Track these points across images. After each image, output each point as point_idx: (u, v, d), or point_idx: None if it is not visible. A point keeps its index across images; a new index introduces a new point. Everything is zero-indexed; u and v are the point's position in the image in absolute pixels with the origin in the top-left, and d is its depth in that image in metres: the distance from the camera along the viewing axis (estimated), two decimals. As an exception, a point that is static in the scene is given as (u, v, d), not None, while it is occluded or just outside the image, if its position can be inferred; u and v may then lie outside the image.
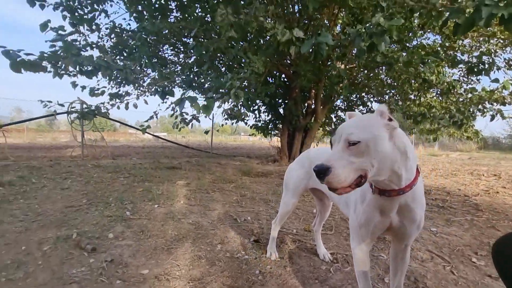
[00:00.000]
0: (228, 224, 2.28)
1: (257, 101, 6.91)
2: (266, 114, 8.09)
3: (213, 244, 1.86)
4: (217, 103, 3.13)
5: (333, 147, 0.85)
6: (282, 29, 2.61)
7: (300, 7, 3.29)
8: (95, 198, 2.83)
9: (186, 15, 3.91)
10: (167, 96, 4.77)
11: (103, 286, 1.31)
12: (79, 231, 1.93)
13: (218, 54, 4.08)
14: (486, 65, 2.94)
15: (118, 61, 6.04)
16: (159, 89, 4.71)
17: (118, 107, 4.00)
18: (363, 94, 7.49)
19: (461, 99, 4.39)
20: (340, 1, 4.00)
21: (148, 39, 5.22)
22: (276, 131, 8.01)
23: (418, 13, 2.39)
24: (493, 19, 1.80)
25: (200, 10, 3.58)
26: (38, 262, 1.52)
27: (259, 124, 8.09)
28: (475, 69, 3.01)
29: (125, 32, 6.04)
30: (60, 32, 3.48)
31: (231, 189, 3.71)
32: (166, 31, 5.21)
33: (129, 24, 6.70)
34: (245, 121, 7.29)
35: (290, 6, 4.01)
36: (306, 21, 4.76)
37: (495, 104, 3.91)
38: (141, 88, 5.11)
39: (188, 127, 4.55)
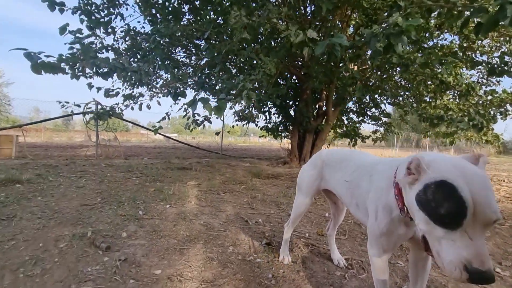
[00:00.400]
0: (239, 226, 2.27)
1: (268, 103, 6.88)
2: (277, 115, 8.05)
3: (224, 246, 1.85)
4: (228, 104, 3.13)
5: (467, 229, 0.63)
6: (295, 30, 2.59)
7: (313, 9, 3.26)
8: (109, 197, 2.88)
9: (199, 18, 3.95)
10: (179, 98, 4.83)
11: (117, 285, 1.32)
12: (94, 229, 1.96)
13: (230, 56, 4.10)
14: (509, 66, 2.81)
15: (132, 63, 6.19)
16: (171, 91, 4.78)
17: (132, 108, 4.07)
18: (376, 96, 7.34)
19: (480, 101, 4.23)
20: (354, 2, 3.95)
21: (162, 42, 5.32)
22: (287, 133, 7.96)
23: (436, 13, 2.32)
24: (519, 17, 1.71)
25: (212, 13, 3.60)
26: (54, 259, 1.55)
27: (270, 126, 8.07)
28: (497, 70, 2.90)
29: (139, 35, 6.17)
30: (78, 35, 3.59)
31: (242, 190, 3.70)
32: (179, 34, 5.29)
33: (143, 27, 6.84)
34: (256, 122, 7.28)
35: (303, 8, 3.99)
36: (318, 23, 4.72)
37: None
38: (154, 90, 5.20)
39: (199, 128, 4.59)
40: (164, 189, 3.32)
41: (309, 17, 4.33)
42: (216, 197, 3.24)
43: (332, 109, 6.31)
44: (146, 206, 2.59)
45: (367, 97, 7.42)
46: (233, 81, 3.40)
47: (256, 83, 3.48)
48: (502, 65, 2.87)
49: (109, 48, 5.74)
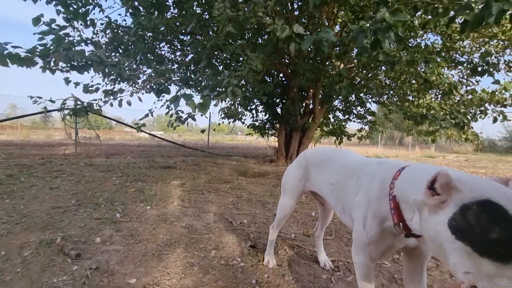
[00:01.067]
0: (223, 227, 2.18)
1: (255, 100, 6.79)
2: (264, 113, 7.99)
3: (207, 249, 1.76)
4: (213, 101, 3.02)
5: None
6: (282, 25, 2.51)
7: (299, 4, 3.20)
8: (85, 199, 2.71)
9: (183, 12, 3.80)
10: (162, 94, 4.66)
11: (85, 297, 1.20)
12: (65, 234, 1.81)
13: (216, 52, 3.97)
14: (490, 66, 2.87)
15: (113, 57, 5.92)
16: (154, 87, 4.60)
17: (111, 104, 3.88)
18: (362, 94, 7.42)
19: (461, 101, 4.34)
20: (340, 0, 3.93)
21: (145, 36, 5.10)
22: (273, 131, 7.91)
23: (422, 10, 2.31)
24: (504, 15, 1.71)
25: (196, 4, 3.46)
26: (16, 269, 1.40)
27: (256, 124, 7.99)
28: (479, 70, 2.95)
29: (120, 28, 5.91)
30: (54, 26, 3.35)
31: (227, 190, 3.60)
32: (163, 28, 5.09)
33: (124, 20, 6.55)
34: (242, 120, 7.19)
35: (289, 3, 3.92)
36: (305, 20, 4.67)
37: (498, 106, 3.85)
38: (137, 86, 4.98)
39: (185, 125, 4.44)
40: (145, 189, 3.17)
41: (296, 13, 4.27)
42: (200, 197, 3.13)
43: (319, 107, 6.31)
44: (124, 208, 2.45)
45: (353, 96, 7.48)
46: (218, 77, 3.28)
47: (242, 79, 3.38)
48: (484, 64, 2.92)
49: (89, 41, 5.46)
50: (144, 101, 4.89)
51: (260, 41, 4.72)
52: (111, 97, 3.97)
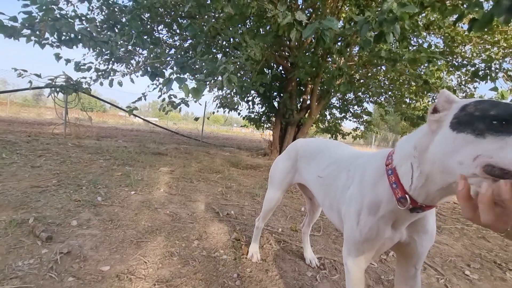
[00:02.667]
0: (209, 217, 2.10)
1: (252, 92, 6.67)
2: (260, 106, 7.87)
3: (189, 239, 1.68)
4: (207, 88, 2.90)
5: None
6: (283, 11, 2.39)
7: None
8: (67, 179, 2.59)
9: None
10: (157, 77, 4.50)
11: (51, 283, 1.11)
12: (39, 215, 1.71)
13: (214, 37, 3.83)
14: (492, 71, 2.82)
15: (107, 35, 5.69)
16: (149, 69, 4.43)
17: (101, 84, 3.71)
18: (360, 93, 7.36)
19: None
20: (346, -8, 3.80)
21: (142, 16, 4.89)
22: (269, 124, 7.82)
23: (430, 7, 2.23)
24: (515, 15, 1.64)
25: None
26: (-19, 249, 1.30)
27: (252, 116, 7.88)
28: (480, 74, 2.90)
29: (117, 6, 5.67)
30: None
31: (217, 180, 3.52)
32: (159, 7, 4.88)
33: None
34: (238, 111, 7.07)
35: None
36: (308, 11, 4.53)
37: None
38: (131, 67, 4.80)
39: (180, 114, 4.32)
40: (132, 174, 3.06)
41: (299, 2, 4.13)
42: (189, 185, 3.05)
43: (316, 103, 6.23)
44: (107, 192, 2.35)
45: (351, 94, 7.42)
46: (215, 63, 3.16)
47: (240, 68, 3.26)
48: (486, 69, 2.87)
49: (83, 18, 5.23)
50: (139, 84, 4.73)
51: (261, 30, 4.58)
52: (102, 76, 3.80)
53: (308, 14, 5.00)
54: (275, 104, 7.48)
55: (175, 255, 1.47)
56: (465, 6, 1.88)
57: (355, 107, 8.32)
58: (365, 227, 0.80)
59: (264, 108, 7.87)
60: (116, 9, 5.66)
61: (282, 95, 6.79)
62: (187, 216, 2.06)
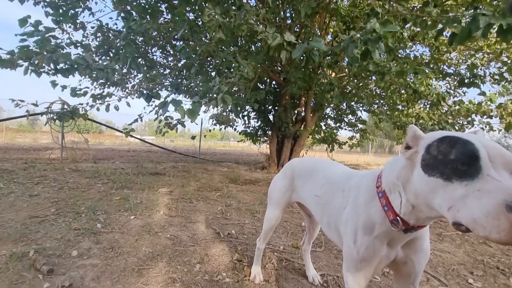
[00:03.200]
0: (210, 239, 2.10)
1: (247, 107, 6.78)
2: (256, 120, 7.97)
3: (191, 263, 1.68)
4: (203, 108, 2.97)
5: (489, 172, 0.53)
6: (273, 33, 2.50)
7: (292, 12, 3.22)
8: (66, 207, 2.58)
9: (175, 17, 3.77)
10: (152, 99, 4.57)
11: (53, 319, 1.10)
12: (39, 247, 1.70)
13: (207, 58, 3.94)
14: (477, 78, 2.93)
15: (102, 61, 5.81)
16: (144, 92, 4.51)
17: (98, 109, 3.77)
18: (352, 103, 7.51)
19: (449, 111, 4.42)
20: (332, 10, 3.97)
21: (136, 40, 5.03)
22: (265, 138, 7.89)
23: (411, 22, 2.34)
24: (491, 29, 1.74)
25: (188, 10, 3.43)
26: (-19, 287, 1.29)
27: (248, 130, 7.96)
28: (466, 81, 3.01)
29: (111, 32, 5.83)
30: (41, 28, 3.24)
31: (216, 198, 3.52)
32: (155, 33, 5.04)
33: (115, 24, 6.47)
34: (234, 127, 7.14)
35: (282, 12, 3.94)
36: (297, 29, 4.70)
37: (484, 117, 3.94)
38: (126, 90, 4.88)
39: (177, 131, 4.36)
40: (131, 197, 3.06)
41: (288, 21, 4.29)
42: (188, 205, 3.04)
43: (311, 115, 6.33)
44: (107, 218, 2.34)
45: (344, 104, 7.56)
46: (209, 83, 3.24)
47: (233, 86, 3.35)
48: (471, 76, 2.98)
49: (78, 44, 5.36)
50: (136, 105, 4.80)
51: (252, 49, 4.71)
52: (99, 101, 3.85)
53: (297, 31, 5.18)
54: (271, 117, 7.58)
55: (177, 281, 1.46)
56: (444, 21, 1.99)
57: (350, 116, 8.45)
58: (362, 247, 0.82)
59: (259, 122, 7.97)
60: (110, 35, 5.83)
61: (277, 108, 6.91)
62: (188, 239, 2.05)
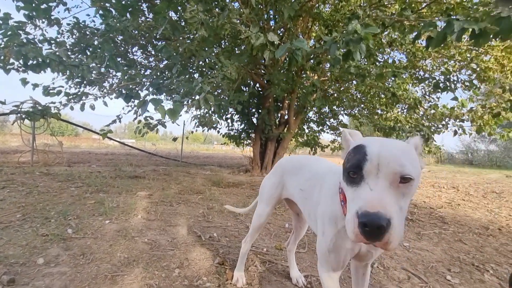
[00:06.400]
0: (191, 242, 2.02)
1: (230, 109, 6.72)
2: (239, 123, 7.92)
3: (169, 268, 1.59)
4: (185, 108, 2.88)
5: (369, 181, 0.61)
6: (256, 32, 2.48)
7: (275, 15, 3.24)
8: (33, 212, 2.39)
9: (156, 14, 3.66)
10: (132, 99, 4.41)
11: (11, 335, 0.99)
12: (0, 255, 1.54)
13: (190, 58, 3.86)
14: (451, 83, 3.09)
15: (78, 58, 5.55)
16: (123, 91, 4.34)
17: (72, 108, 3.56)
18: (334, 107, 7.67)
19: (425, 115, 4.62)
20: (314, 14, 4.04)
21: (115, 38, 4.84)
22: (249, 141, 7.86)
23: (390, 27, 2.42)
24: (464, 33, 1.82)
25: (169, 7, 3.33)
26: None
27: (232, 133, 7.89)
28: (441, 86, 3.16)
29: (88, 29, 5.59)
30: (11, 22, 3.02)
31: (198, 201, 3.42)
32: (136, 32, 4.88)
33: (93, 21, 6.21)
34: (217, 129, 7.06)
35: (265, 13, 3.94)
36: (280, 32, 4.73)
37: (457, 120, 4.14)
38: (104, 90, 4.67)
39: (158, 134, 4.22)
40: (107, 201, 2.89)
41: (271, 23, 4.31)
42: (168, 209, 2.93)
43: (294, 118, 6.38)
44: (79, 223, 2.19)
45: (326, 108, 7.71)
46: (191, 83, 3.16)
47: (216, 87, 3.29)
48: (446, 81, 3.13)
49: (53, 41, 5.09)
50: (114, 106, 4.61)
51: (235, 50, 4.68)
52: (73, 100, 3.65)
53: (280, 34, 5.22)
54: (254, 120, 7.57)
55: (154, 288, 1.37)
56: (421, 25, 2.06)
57: (332, 119, 8.63)
58: (328, 238, 0.89)
59: (243, 124, 7.92)
60: (87, 32, 5.58)
61: (260, 111, 6.90)
62: (167, 243, 1.96)
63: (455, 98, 4.14)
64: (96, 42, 4.80)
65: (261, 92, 6.85)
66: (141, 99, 2.67)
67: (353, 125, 9.40)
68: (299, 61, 2.24)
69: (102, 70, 4.11)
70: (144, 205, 2.94)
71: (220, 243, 2.04)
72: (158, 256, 1.73)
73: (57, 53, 2.79)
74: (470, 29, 1.75)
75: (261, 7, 3.15)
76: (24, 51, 2.51)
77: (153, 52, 6.62)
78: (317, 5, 3.53)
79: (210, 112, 3.47)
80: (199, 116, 3.40)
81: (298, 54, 2.20)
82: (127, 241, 1.90)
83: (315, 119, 8.65)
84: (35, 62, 2.70)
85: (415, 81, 4.67)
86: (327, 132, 8.98)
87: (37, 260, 1.53)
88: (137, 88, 4.51)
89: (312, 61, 4.59)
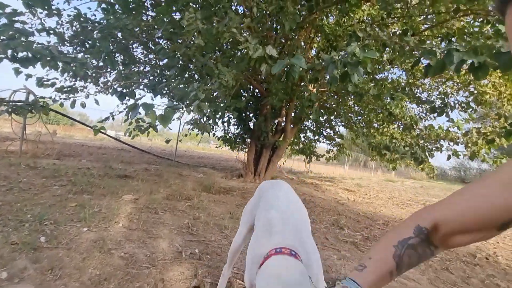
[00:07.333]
0: (170, 259, 1.94)
1: (226, 113, 6.66)
2: (236, 127, 7.86)
3: (142, 290, 1.51)
4: (177, 114, 2.81)
5: None
6: (255, 44, 2.43)
7: (277, 25, 3.20)
8: (9, 213, 2.29)
9: (158, 14, 3.60)
10: (127, 98, 4.32)
11: None
12: (-39, 265, 1.45)
13: (189, 62, 3.80)
14: (447, 107, 3.08)
15: (76, 51, 5.44)
16: (118, 89, 4.26)
17: (61, 104, 3.46)
18: (332, 117, 7.65)
19: (421, 135, 4.61)
20: (317, 26, 4.00)
21: (115, 34, 4.75)
22: (244, 146, 7.80)
23: (391, 48, 2.38)
24: (463, 65, 1.78)
25: (171, 10, 3.26)
26: None
27: (227, 137, 7.83)
28: (438, 110, 3.15)
29: (89, 22, 5.49)
30: (8, 10, 2.92)
31: (185, 209, 3.34)
32: (135, 29, 4.79)
33: (94, 15, 6.09)
34: (213, 132, 6.98)
35: (268, 22, 3.89)
36: (282, 40, 4.69)
37: (451, 143, 4.13)
38: (98, 86, 4.58)
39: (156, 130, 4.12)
40: (90, 204, 2.80)
41: (274, 32, 4.27)
42: (153, 217, 2.84)
43: (291, 126, 6.34)
44: (54, 229, 2.10)
45: (324, 118, 7.69)
46: (187, 88, 3.10)
47: (211, 94, 3.23)
48: (442, 105, 3.12)
49: (51, 32, 4.98)
50: (114, 100, 4.51)
51: (237, 54, 4.62)
52: (63, 95, 3.56)
53: (282, 42, 5.17)
54: (251, 125, 7.51)
55: (122, 313, 1.30)
56: (419, 52, 2.03)
57: (328, 129, 8.62)
58: (252, 277, 0.85)
59: (239, 129, 7.86)
60: (88, 25, 5.48)
61: (257, 117, 6.85)
62: (144, 258, 1.88)
63: (451, 120, 4.13)
64: (95, 36, 4.70)
65: (259, 98, 6.80)
66: (131, 103, 2.59)
67: (349, 136, 9.39)
68: (295, 78, 2.18)
69: (100, 64, 4.01)
70: (128, 211, 2.85)
71: (201, 262, 1.97)
72: (132, 274, 1.65)
73: (49, 48, 2.70)
74: (469, 62, 1.72)
75: (263, 17, 3.10)
76: (13, 45, 2.42)
77: (154, 48, 6.54)
78: (320, 17, 3.50)
79: (205, 117, 3.40)
80: (192, 122, 3.33)
81: (295, 70, 2.15)
82: (102, 254, 1.82)
83: (312, 128, 8.63)
84: (24, 56, 2.61)
85: (413, 100, 4.66)
86: (323, 142, 8.98)
87: (0, 274, 1.44)
88: (133, 87, 4.43)
89: (311, 71, 4.55)
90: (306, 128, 8.63)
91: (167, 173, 6.30)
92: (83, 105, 3.61)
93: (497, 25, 2.57)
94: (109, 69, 5.82)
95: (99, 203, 2.96)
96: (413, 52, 2.15)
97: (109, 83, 4.35)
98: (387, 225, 4.04)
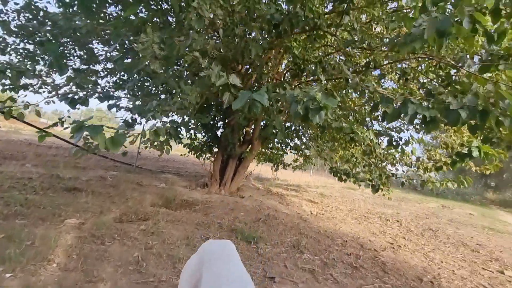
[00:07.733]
0: (108, 312, 1.74)
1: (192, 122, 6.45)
2: (203, 134, 7.64)
3: None
4: (130, 138, 2.59)
5: None
6: (218, 71, 2.31)
7: (243, 50, 3.14)
8: None
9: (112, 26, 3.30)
10: (78, 105, 3.93)
11: None
12: None
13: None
14: (403, 141, 3.27)
15: (24, 43, 4.84)
16: (68, 95, 3.86)
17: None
18: (295, 139, 7.87)
19: (380, 157, 4.86)
20: (285, 47, 4.01)
21: (73, 34, 4.28)
22: (210, 155, 7.62)
23: (352, 88, 2.43)
24: (416, 118, 1.85)
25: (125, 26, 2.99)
26: None
27: (194, 144, 7.58)
28: (394, 143, 3.34)
29: (42, 12, 4.91)
30: None
31: (137, 235, 3.09)
32: (86, 31, 4.38)
33: (45, 7, 5.47)
34: (176, 142, 6.68)
35: (233, 47, 3.79)
36: (247, 67, 4.66)
37: (406, 168, 4.41)
38: (45, 91, 4.09)
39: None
40: (21, 236, 2.44)
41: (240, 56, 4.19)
42: (97, 249, 2.57)
43: (257, 140, 6.33)
44: (-34, 278, 1.77)
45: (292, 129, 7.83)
46: (144, 107, 2.87)
47: (172, 112, 3.04)
48: (398, 139, 3.30)
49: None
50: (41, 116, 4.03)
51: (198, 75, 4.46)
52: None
53: (246, 70, 5.07)
54: (218, 133, 7.35)
55: None
56: (379, 99, 2.10)
57: (296, 139, 8.82)
58: None
59: (206, 137, 7.65)
60: (39, 17, 4.89)
61: (224, 127, 6.71)
62: (77, 314, 1.66)
63: (407, 143, 4.42)
64: (43, 35, 4.19)
65: (227, 110, 6.68)
66: (77, 124, 2.31)
67: (314, 149, 9.69)
68: (257, 113, 2.11)
69: (44, 69, 3.58)
70: (68, 243, 2.54)
71: (144, 313, 1.80)
72: None
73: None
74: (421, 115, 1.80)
75: (229, 38, 3.00)
76: None
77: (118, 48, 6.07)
78: (286, 41, 3.50)
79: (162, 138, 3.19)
80: (149, 141, 3.10)
81: (257, 105, 2.07)
82: (23, 314, 1.56)
83: (279, 142, 8.76)
84: None
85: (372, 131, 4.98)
86: (291, 152, 9.17)
87: None
88: (85, 94, 4.02)
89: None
90: (272, 141, 8.75)
91: (125, 182, 5.88)
92: (20, 115, 3.19)
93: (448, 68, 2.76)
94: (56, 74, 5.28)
95: (33, 231, 2.60)
96: (372, 98, 2.22)
97: (58, 88, 3.91)
98: (345, 246, 4.16)
